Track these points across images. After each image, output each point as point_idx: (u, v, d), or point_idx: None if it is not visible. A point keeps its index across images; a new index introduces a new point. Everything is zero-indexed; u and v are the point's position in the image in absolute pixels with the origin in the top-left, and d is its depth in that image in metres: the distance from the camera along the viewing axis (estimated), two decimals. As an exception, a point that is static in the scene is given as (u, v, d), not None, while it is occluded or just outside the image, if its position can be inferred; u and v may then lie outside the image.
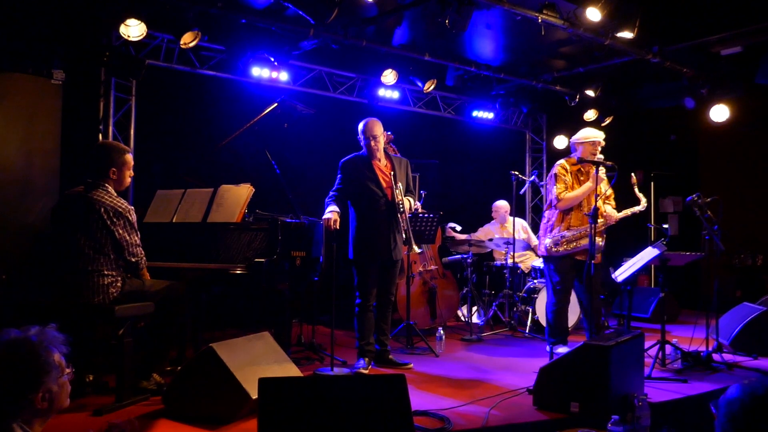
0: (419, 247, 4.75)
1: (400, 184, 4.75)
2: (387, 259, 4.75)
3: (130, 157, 3.92)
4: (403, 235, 4.68)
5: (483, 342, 6.04)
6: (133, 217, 3.81)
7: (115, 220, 3.70)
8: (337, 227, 4.56)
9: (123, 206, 3.76)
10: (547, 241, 5.20)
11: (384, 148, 4.88)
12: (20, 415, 2.01)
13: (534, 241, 7.58)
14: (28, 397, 2.01)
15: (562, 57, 7.38)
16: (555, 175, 5.23)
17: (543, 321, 6.32)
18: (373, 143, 4.74)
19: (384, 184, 4.75)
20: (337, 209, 4.64)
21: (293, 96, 6.72)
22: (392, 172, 4.77)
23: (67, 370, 2.13)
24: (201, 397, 3.42)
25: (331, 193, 4.78)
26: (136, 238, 3.82)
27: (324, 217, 4.60)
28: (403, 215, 4.68)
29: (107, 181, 3.79)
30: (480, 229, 7.56)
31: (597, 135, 5.18)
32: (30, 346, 2.04)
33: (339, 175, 4.83)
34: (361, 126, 4.79)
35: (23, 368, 2.01)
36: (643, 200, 5.16)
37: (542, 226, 5.37)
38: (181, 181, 5.03)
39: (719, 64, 7.19)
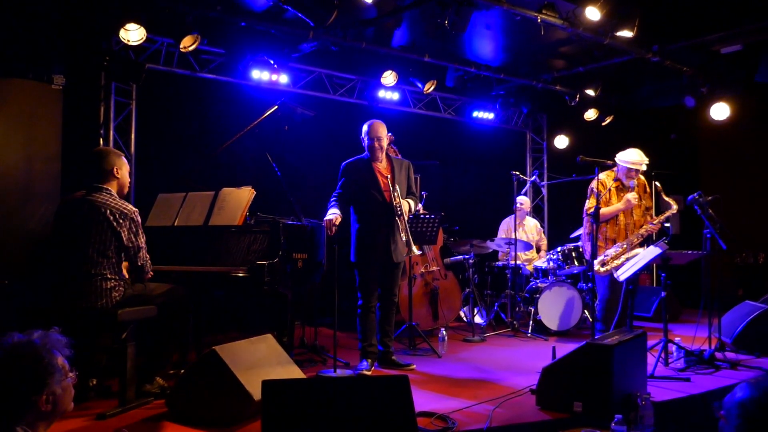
0: (419, 249, 4.74)
1: (398, 187, 4.72)
2: (387, 261, 4.75)
3: (126, 161, 3.97)
4: (403, 237, 4.63)
5: (485, 342, 6.04)
6: (139, 220, 3.81)
7: (121, 221, 3.69)
8: (336, 230, 4.54)
9: (128, 208, 3.76)
10: (595, 261, 5.26)
11: (386, 151, 4.87)
12: (24, 417, 2.02)
13: (544, 243, 7.59)
14: (32, 399, 2.03)
15: (561, 57, 7.38)
16: (591, 188, 5.32)
17: (545, 321, 6.35)
18: (376, 144, 4.73)
19: (383, 187, 4.74)
20: (338, 211, 4.63)
21: (293, 98, 6.74)
22: (389, 175, 4.75)
23: (71, 374, 2.15)
24: (204, 400, 3.42)
25: (333, 196, 4.78)
26: (142, 240, 3.82)
27: (325, 218, 4.59)
28: (402, 218, 4.65)
29: (110, 184, 3.79)
30: (501, 227, 7.63)
31: (641, 161, 5.26)
32: (33, 349, 2.06)
33: (341, 179, 4.83)
34: (365, 127, 4.78)
35: (27, 370, 2.03)
36: (674, 205, 5.22)
37: (584, 233, 5.67)
38: (182, 184, 5.04)
39: (719, 62, 7.19)
